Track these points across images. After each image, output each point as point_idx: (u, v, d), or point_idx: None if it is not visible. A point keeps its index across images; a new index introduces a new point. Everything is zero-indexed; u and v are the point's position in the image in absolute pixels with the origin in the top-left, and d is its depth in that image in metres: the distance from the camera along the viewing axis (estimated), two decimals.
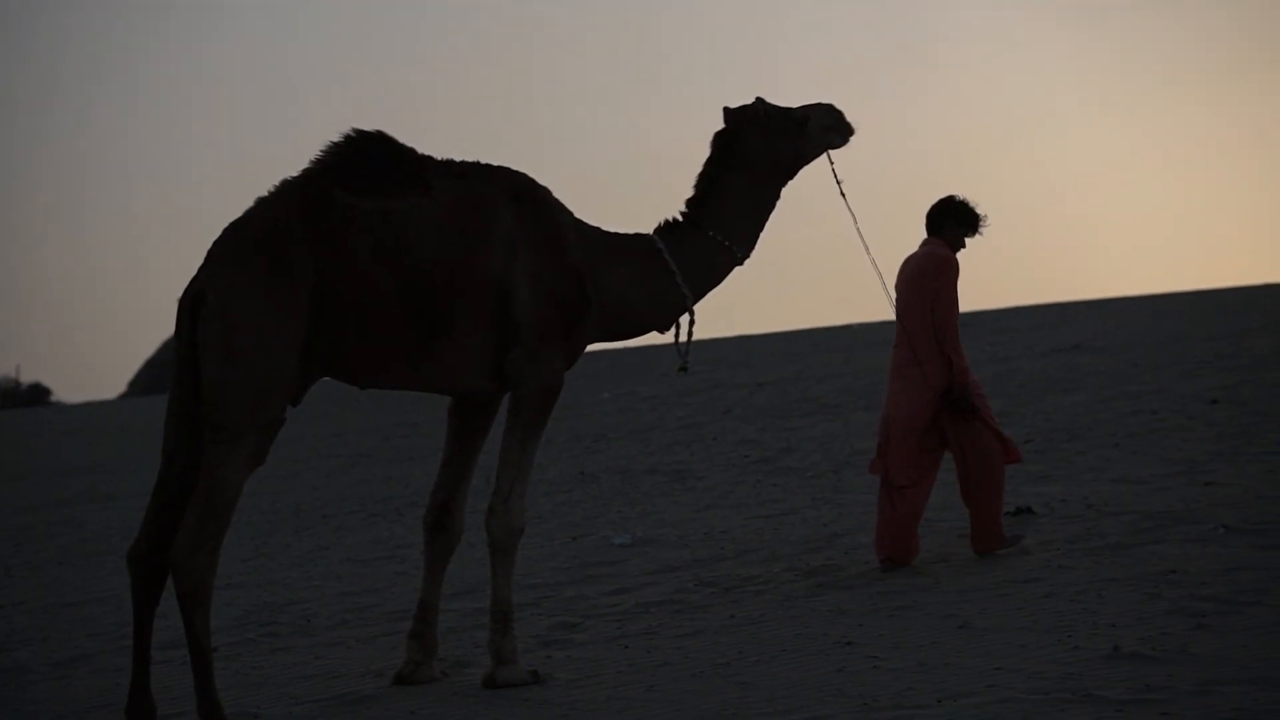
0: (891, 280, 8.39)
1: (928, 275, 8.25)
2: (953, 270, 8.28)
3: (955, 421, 8.26)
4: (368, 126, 6.25)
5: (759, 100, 6.76)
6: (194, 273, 6.03)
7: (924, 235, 8.50)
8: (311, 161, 6.21)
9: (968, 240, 8.44)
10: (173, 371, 6.00)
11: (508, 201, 6.33)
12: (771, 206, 6.78)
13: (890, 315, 8.45)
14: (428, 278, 6.13)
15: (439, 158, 6.36)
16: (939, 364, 8.23)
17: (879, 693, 5.59)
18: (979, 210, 8.42)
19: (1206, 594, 6.67)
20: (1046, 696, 5.29)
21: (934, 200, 8.49)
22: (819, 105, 6.85)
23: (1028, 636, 6.26)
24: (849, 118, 6.87)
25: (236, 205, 6.17)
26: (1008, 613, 6.75)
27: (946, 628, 6.58)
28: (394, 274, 6.10)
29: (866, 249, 7.28)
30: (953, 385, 8.20)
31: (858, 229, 7.15)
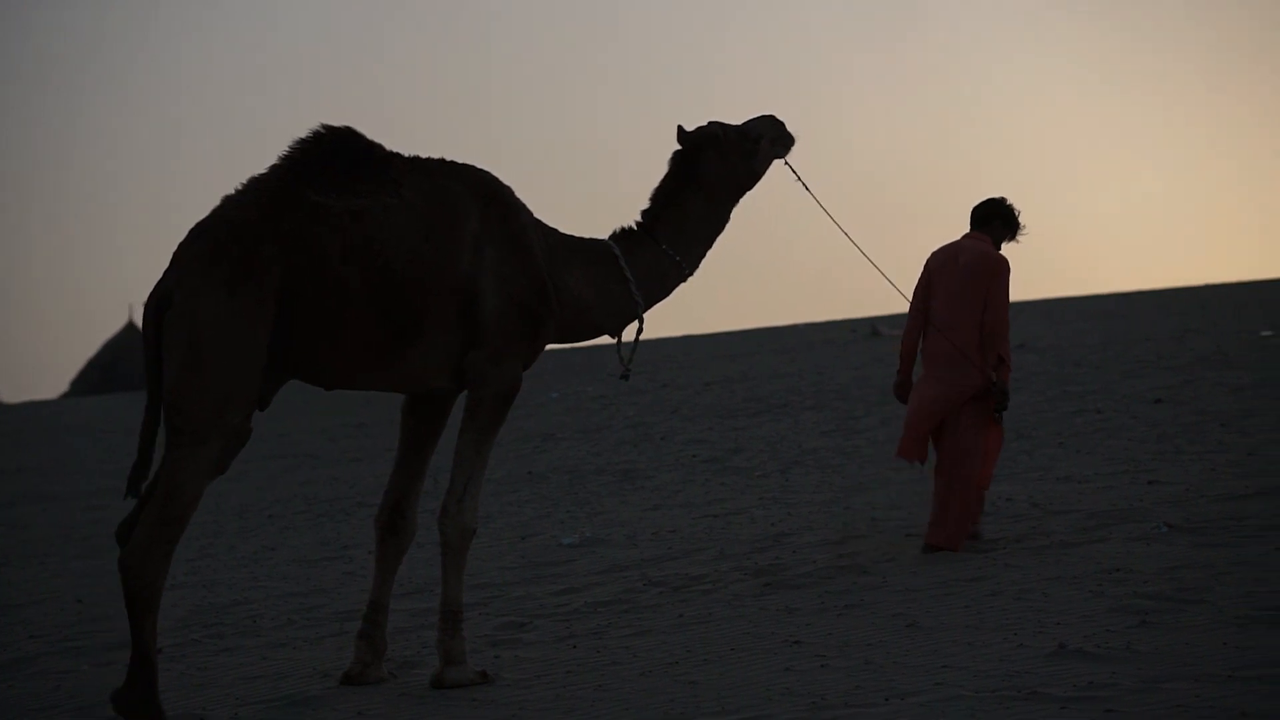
0: (885, 265, 8.45)
1: (982, 275, 8.40)
2: (1008, 272, 8.46)
3: (971, 418, 8.34)
4: (335, 122, 6.19)
5: (714, 123, 6.79)
6: (141, 270, 5.98)
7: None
8: (280, 158, 6.14)
9: (1004, 244, 8.64)
10: (145, 375, 5.89)
11: (475, 201, 6.30)
12: (723, 226, 6.84)
13: (902, 302, 8.51)
14: (398, 278, 6.09)
15: (405, 155, 6.32)
16: (982, 360, 8.35)
17: (827, 691, 5.61)
18: (1021, 219, 8.63)
19: (1150, 592, 6.74)
20: (992, 694, 5.33)
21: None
22: (763, 118, 6.89)
23: (974, 635, 6.30)
24: (789, 128, 6.93)
25: (185, 203, 6.16)
26: (954, 611, 6.79)
27: (894, 627, 6.61)
28: (364, 274, 6.04)
29: (854, 242, 7.30)
30: (997, 382, 8.35)
31: (839, 226, 7.18)
